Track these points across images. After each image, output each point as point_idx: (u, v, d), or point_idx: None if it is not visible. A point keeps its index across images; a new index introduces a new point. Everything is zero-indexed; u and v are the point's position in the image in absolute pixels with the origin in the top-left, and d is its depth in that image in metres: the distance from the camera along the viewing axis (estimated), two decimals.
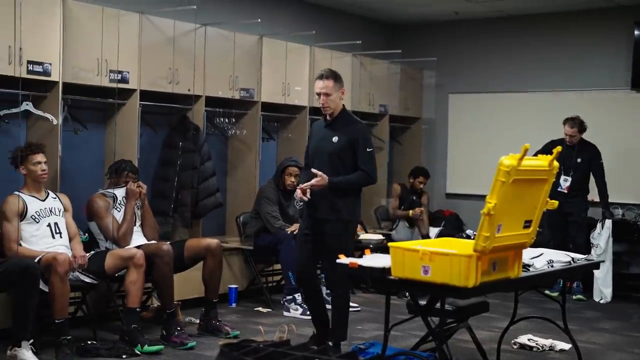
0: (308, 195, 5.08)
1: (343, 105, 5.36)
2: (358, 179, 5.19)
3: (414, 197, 8.58)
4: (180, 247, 5.91)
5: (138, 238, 5.90)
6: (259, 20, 7.34)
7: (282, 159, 7.49)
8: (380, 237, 7.94)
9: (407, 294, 6.06)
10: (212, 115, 7.34)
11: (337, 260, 4.31)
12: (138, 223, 5.98)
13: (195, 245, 5.99)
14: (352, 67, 8.63)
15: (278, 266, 7.01)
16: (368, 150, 5.19)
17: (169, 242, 5.90)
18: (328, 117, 5.27)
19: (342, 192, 5.14)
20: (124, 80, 6.28)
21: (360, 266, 4.14)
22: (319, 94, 5.19)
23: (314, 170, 5.08)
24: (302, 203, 5.45)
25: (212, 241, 6.01)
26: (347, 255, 4.52)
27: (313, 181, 5.06)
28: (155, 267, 5.56)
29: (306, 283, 5.46)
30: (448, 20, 9.66)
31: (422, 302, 4.39)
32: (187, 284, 6.16)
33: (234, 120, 7.54)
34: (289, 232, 6.68)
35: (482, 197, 3.72)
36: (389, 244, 4.04)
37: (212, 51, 7.04)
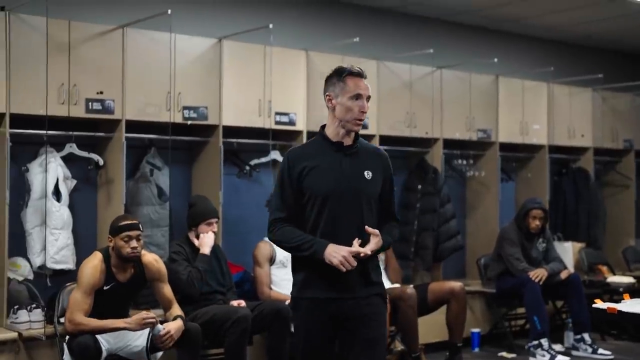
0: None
1: None
2: (397, 234, 3.63)
3: None
4: (423, 291, 5.91)
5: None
6: (495, 60, 7.26)
7: (522, 199, 7.34)
8: (631, 279, 7.47)
9: None
10: (450, 158, 7.33)
11: (593, 305, 4.08)
12: (381, 266, 6.06)
13: (439, 288, 5.97)
14: (593, 102, 8.29)
15: (522, 310, 6.79)
16: (394, 189, 3.65)
17: (412, 286, 5.92)
18: (346, 139, 3.47)
19: (374, 256, 3.47)
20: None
21: (619, 311, 3.89)
22: (357, 96, 3.41)
23: (370, 229, 3.36)
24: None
25: (456, 284, 5.97)
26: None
27: (372, 244, 3.36)
28: (399, 311, 5.59)
29: None
30: None
31: None
32: (431, 327, 6.12)
33: (472, 161, 7.49)
34: (532, 278, 6.44)
35: None
36: None
37: (448, 93, 7.06)
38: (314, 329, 3.44)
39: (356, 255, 3.30)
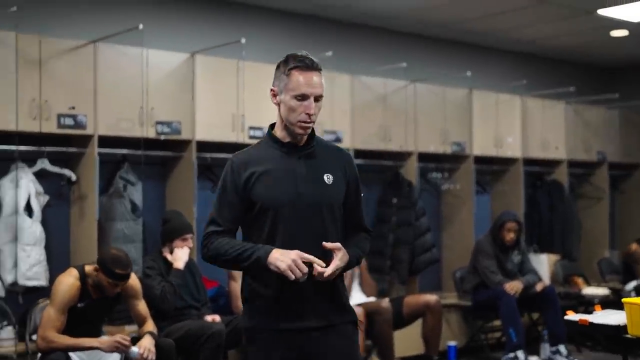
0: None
1: None
2: (367, 245, 3.05)
3: None
4: (399, 304, 5.91)
5: (357, 296, 5.97)
6: (469, 73, 7.31)
7: (497, 211, 7.37)
8: (606, 291, 7.51)
9: None
10: (425, 171, 7.36)
11: (566, 317, 4.08)
12: (356, 281, 6.06)
13: (414, 302, 5.98)
14: (566, 115, 8.34)
15: (498, 322, 6.80)
16: (362, 195, 3.08)
17: (388, 299, 5.92)
18: (295, 140, 2.89)
19: (341, 274, 2.91)
20: (338, 139, 6.44)
21: (591, 323, 3.89)
22: (303, 97, 2.81)
23: (329, 244, 2.80)
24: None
25: (431, 297, 5.98)
26: None
27: (337, 261, 2.80)
28: (375, 325, 5.59)
29: None
30: None
31: None
32: (407, 340, 6.12)
33: (446, 174, 7.52)
34: (507, 290, 6.44)
35: None
36: (623, 299, 3.78)
37: (422, 107, 7.09)
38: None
39: (311, 268, 2.74)
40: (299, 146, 2.89)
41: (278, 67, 2.88)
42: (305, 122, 2.82)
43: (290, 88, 2.82)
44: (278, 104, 2.88)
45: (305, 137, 2.89)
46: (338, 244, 2.81)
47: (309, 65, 2.83)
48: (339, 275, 2.85)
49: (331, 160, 2.94)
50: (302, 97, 2.81)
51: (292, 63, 2.83)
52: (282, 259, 2.72)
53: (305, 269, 2.72)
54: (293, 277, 2.70)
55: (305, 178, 2.86)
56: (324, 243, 2.80)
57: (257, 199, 2.84)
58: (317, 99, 2.83)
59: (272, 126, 2.96)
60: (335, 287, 2.88)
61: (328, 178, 2.90)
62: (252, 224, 2.88)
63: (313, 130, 2.90)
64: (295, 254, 2.73)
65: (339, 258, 2.80)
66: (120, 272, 4.38)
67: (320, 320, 2.85)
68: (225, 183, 2.90)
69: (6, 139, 4.96)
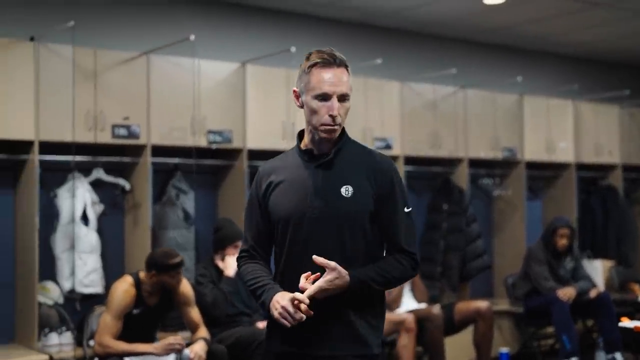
0: (302, 311, 2.48)
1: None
2: (399, 269, 2.61)
3: None
4: (450, 310, 5.90)
5: (409, 302, 5.97)
6: (519, 78, 7.26)
7: (549, 217, 7.31)
8: None
9: None
10: (476, 177, 7.32)
11: (620, 323, 4.03)
12: (407, 287, 6.06)
13: (465, 308, 5.96)
14: (620, 119, 8.23)
15: (551, 329, 6.73)
16: (407, 210, 2.66)
17: (439, 305, 5.90)
18: (321, 147, 2.64)
19: (367, 299, 2.61)
20: (388, 146, 6.45)
21: None
22: (325, 96, 2.55)
23: (319, 259, 2.50)
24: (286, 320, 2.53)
25: (483, 304, 5.95)
26: None
27: (321, 282, 2.50)
28: (426, 331, 5.58)
29: None
30: None
31: None
32: (458, 347, 6.10)
33: (498, 180, 7.47)
34: (560, 296, 6.38)
35: None
36: None
37: (472, 112, 7.06)
38: None
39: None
40: (316, 154, 2.64)
41: (301, 66, 2.63)
42: (328, 125, 2.55)
43: (311, 87, 2.55)
44: (302, 107, 2.64)
45: (329, 143, 2.62)
46: (331, 263, 2.49)
47: (330, 61, 2.55)
48: (354, 299, 2.55)
49: (356, 169, 2.62)
50: (324, 97, 2.54)
51: (312, 60, 2.57)
52: (276, 306, 2.50)
53: (299, 316, 2.47)
54: (288, 325, 2.47)
55: (319, 190, 2.59)
56: (314, 257, 2.50)
57: (270, 210, 2.67)
58: (342, 98, 2.56)
59: (302, 132, 2.73)
60: (347, 314, 2.57)
61: (346, 191, 2.59)
62: (274, 235, 2.70)
63: (342, 133, 2.65)
64: (286, 300, 2.48)
65: (326, 279, 2.49)
66: (174, 262, 4.49)
67: (324, 349, 2.57)
68: (252, 193, 2.75)
69: (63, 149, 5.08)
